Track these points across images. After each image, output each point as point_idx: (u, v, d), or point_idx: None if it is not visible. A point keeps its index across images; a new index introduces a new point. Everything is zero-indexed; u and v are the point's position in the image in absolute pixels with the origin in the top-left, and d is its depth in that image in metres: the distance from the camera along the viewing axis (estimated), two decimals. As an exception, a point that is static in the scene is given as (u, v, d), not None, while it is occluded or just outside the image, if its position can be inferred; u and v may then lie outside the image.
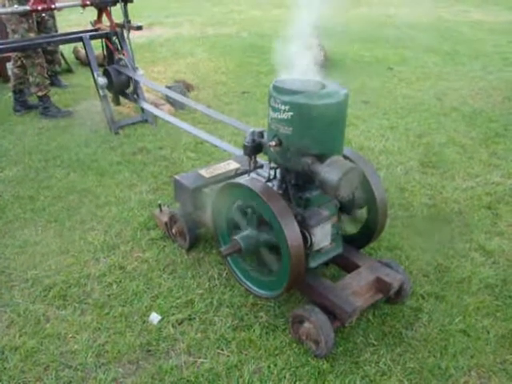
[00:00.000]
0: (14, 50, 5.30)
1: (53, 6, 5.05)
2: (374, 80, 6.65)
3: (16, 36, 5.33)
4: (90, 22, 5.62)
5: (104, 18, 5.44)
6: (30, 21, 5.38)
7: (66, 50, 7.61)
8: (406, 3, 13.55)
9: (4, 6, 5.26)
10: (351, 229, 2.86)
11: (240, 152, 3.48)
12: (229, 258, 2.73)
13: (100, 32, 5.40)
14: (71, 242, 3.38)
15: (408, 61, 7.75)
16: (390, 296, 2.62)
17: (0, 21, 5.75)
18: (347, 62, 7.68)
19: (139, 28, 5.29)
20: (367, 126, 5.14)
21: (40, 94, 5.57)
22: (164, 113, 4.73)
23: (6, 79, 6.61)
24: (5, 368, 2.44)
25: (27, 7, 4.95)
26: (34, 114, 5.73)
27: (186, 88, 6.03)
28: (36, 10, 5.01)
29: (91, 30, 5.50)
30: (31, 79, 5.54)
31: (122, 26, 5.27)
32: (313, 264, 2.56)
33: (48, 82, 5.66)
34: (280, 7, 13.35)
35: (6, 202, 3.90)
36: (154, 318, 2.70)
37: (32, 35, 5.43)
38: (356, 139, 4.79)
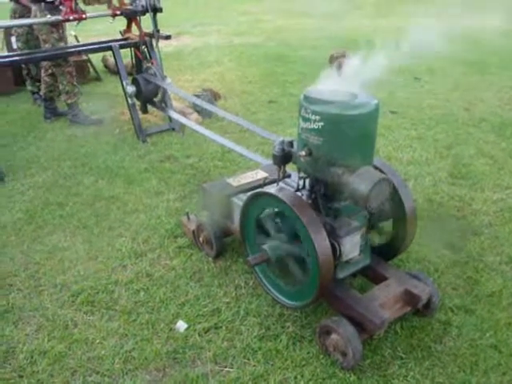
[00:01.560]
0: (45, 59, 5.40)
1: (84, 16, 5.13)
2: (401, 90, 6.61)
3: (47, 45, 5.44)
4: (120, 32, 5.70)
5: (133, 27, 5.52)
6: (61, 31, 5.49)
7: (95, 58, 7.72)
8: (431, 13, 13.45)
9: (36, 16, 5.37)
10: (379, 240, 2.84)
11: (267, 161, 3.49)
12: (256, 268, 2.73)
13: (129, 41, 5.47)
14: (99, 249, 3.41)
15: (435, 71, 7.68)
16: (418, 308, 2.58)
17: (32, 31, 5.86)
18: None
19: (168, 37, 5.35)
20: (395, 137, 5.11)
21: (69, 101, 5.66)
22: (191, 121, 4.77)
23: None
24: (34, 372, 2.47)
25: (59, 17, 5.05)
26: (64, 121, 5.82)
27: (213, 97, 6.06)
28: (68, 20, 5.10)
29: (121, 40, 5.57)
30: (61, 87, 5.64)
31: (150, 36, 5.33)
32: (341, 275, 2.55)
33: (77, 89, 5.75)
34: (307, 17, 13.41)
35: (36, 207, 3.96)
36: (181, 325, 2.70)
37: (62, 44, 5.54)
38: (384, 149, 4.76)
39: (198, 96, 5.50)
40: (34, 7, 5.43)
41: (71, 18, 5.07)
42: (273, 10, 14.99)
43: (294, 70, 7.74)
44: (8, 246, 3.49)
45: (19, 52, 5.88)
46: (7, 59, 5.18)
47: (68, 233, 3.61)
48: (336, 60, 7.34)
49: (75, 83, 5.70)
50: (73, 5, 5.03)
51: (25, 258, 3.35)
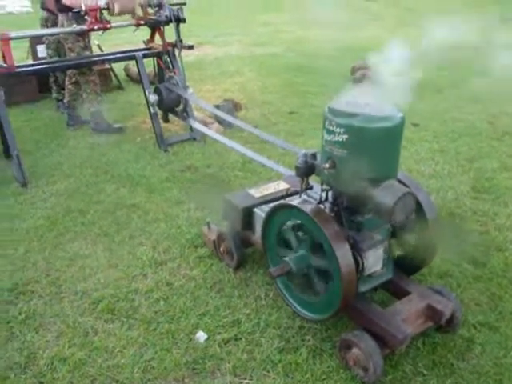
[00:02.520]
0: (69, 67, 5.48)
1: (108, 26, 5.20)
2: (423, 102, 6.56)
3: (72, 54, 5.52)
4: (143, 41, 5.76)
5: (156, 37, 5.57)
6: (86, 39, 5.57)
7: (117, 67, 7.79)
8: (455, 25, 13.39)
9: (63, 25, 5.46)
10: (402, 254, 2.81)
11: (288, 172, 3.48)
12: (277, 279, 2.72)
13: (152, 51, 5.53)
14: (120, 257, 3.43)
15: (457, 83, 7.62)
16: (440, 324, 2.55)
17: (58, 40, 5.96)
18: (395, 84, 7.60)
19: (191, 47, 5.39)
20: (417, 149, 5.07)
21: (92, 109, 5.73)
22: (212, 131, 4.79)
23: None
24: (54, 378, 2.49)
25: (84, 27, 5.12)
26: (86, 129, 5.88)
27: (235, 107, 6.08)
28: (92, 30, 5.17)
29: (144, 49, 5.63)
30: (84, 95, 5.70)
31: (173, 45, 5.38)
32: (363, 288, 2.53)
33: (100, 98, 5.81)
34: (328, 28, 13.40)
35: (58, 214, 4.00)
36: (201, 336, 2.70)
37: (87, 53, 5.61)
38: (406, 162, 4.72)
39: (218, 106, 5.52)
40: (60, 17, 5.52)
41: (96, 27, 5.13)
42: (293, 20, 15.02)
43: (315, 81, 7.73)
44: (30, 252, 3.53)
45: (44, 61, 5.96)
46: (33, 68, 5.26)
47: (89, 240, 3.64)
48: (358, 71, 7.32)
49: (98, 92, 5.77)
50: (98, 15, 5.09)
51: (46, 264, 3.38)
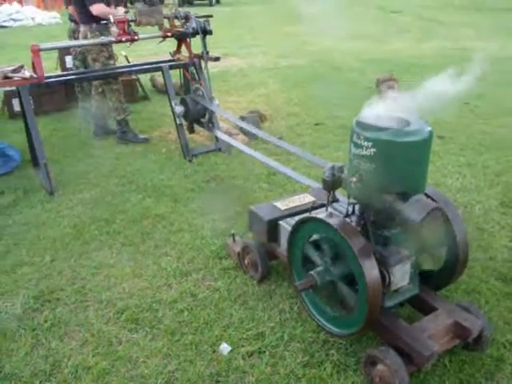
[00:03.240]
0: (97, 78, 5.56)
1: (136, 38, 5.26)
2: (449, 115, 6.50)
3: (97, 64, 5.60)
4: (170, 53, 5.81)
5: (183, 48, 5.62)
6: (110, 49, 5.66)
7: (143, 77, 7.88)
8: (485, 37, 13.29)
9: (86, 37, 5.55)
10: (429, 269, 2.77)
11: (314, 184, 3.47)
12: (302, 293, 2.70)
13: (179, 62, 5.57)
14: (144, 267, 3.44)
15: (484, 95, 7.53)
16: (468, 342, 2.50)
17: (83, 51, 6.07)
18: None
19: (217, 59, 5.42)
20: (443, 163, 5.01)
21: (118, 117, 5.79)
22: (238, 142, 4.80)
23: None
24: (78, 387, 2.50)
25: (112, 38, 5.19)
26: (112, 139, 5.96)
27: (260, 119, 6.09)
28: (120, 41, 5.23)
29: (170, 60, 5.68)
30: (110, 104, 5.78)
31: (199, 57, 5.41)
32: (389, 303, 2.49)
33: (125, 106, 5.87)
34: (352, 39, 13.40)
35: (84, 223, 4.03)
36: (224, 348, 2.69)
37: (112, 62, 5.69)
38: (432, 175, 4.67)
39: (244, 118, 5.54)
40: (83, 28, 5.62)
41: (124, 39, 5.20)
42: (318, 32, 15.05)
43: (340, 92, 7.71)
44: (56, 260, 3.57)
45: (73, 71, 6.06)
46: (61, 78, 5.35)
47: (114, 249, 3.67)
48: (383, 83, 7.29)
49: (123, 101, 5.83)
50: (126, 26, 5.16)
51: (72, 272, 3.41)
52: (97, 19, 5.49)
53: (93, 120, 6.11)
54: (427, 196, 2.46)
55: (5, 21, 21.21)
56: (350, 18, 18.89)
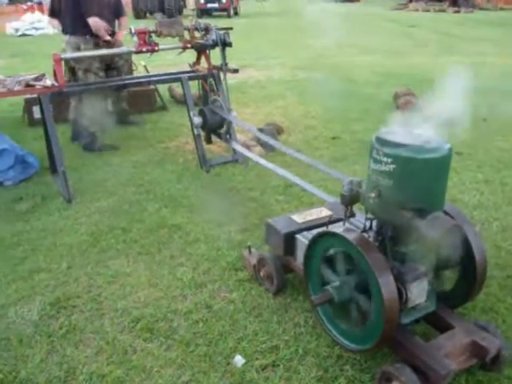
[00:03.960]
0: (118, 87, 5.67)
1: (156, 48, 5.32)
2: (467, 131, 6.45)
3: (89, 75, 5.84)
4: (189, 64, 5.86)
5: (202, 59, 5.67)
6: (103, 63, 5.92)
7: (161, 87, 7.94)
8: (505, 52, 13.25)
9: (79, 48, 5.80)
10: (446, 286, 2.75)
11: (330, 198, 3.47)
12: (318, 307, 2.70)
13: (198, 73, 5.61)
14: (160, 276, 3.46)
15: (502, 112, 7.48)
16: (485, 362, 2.47)
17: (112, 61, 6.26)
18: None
19: (236, 71, 5.45)
20: (460, 179, 4.99)
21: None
22: (253, 154, 4.81)
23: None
24: (92, 396, 2.51)
25: (133, 48, 5.25)
26: (130, 148, 6.01)
27: (277, 131, 6.11)
28: (141, 52, 5.29)
29: (189, 71, 5.73)
30: (109, 108, 6.13)
31: (219, 69, 5.45)
32: (405, 320, 2.48)
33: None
34: (370, 53, 13.43)
35: (101, 231, 4.06)
36: (238, 360, 2.68)
37: (114, 73, 6.02)
38: (449, 191, 4.60)
39: (261, 130, 5.56)
40: (73, 39, 5.82)
41: (144, 49, 5.26)
42: (336, 45, 15.10)
43: (357, 106, 7.72)
44: (73, 267, 3.60)
45: (93, 81, 6.13)
46: (83, 87, 5.41)
47: (131, 258, 3.69)
48: (400, 98, 7.29)
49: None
50: (146, 37, 5.22)
51: (88, 280, 3.44)
52: (90, 30, 5.70)
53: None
54: (445, 213, 2.45)
55: (27, 29, 21.67)
56: (367, 32, 18.96)
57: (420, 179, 2.27)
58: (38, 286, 3.38)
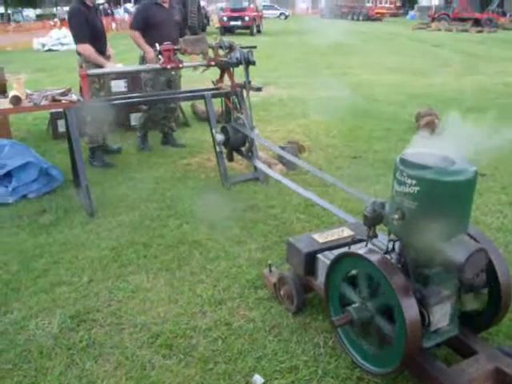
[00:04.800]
0: (142, 103, 5.80)
1: (180, 65, 5.38)
2: (491, 152, 6.39)
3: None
4: (212, 82, 5.91)
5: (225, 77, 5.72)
6: (102, 81, 5.92)
7: (184, 104, 8.01)
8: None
9: (81, 66, 5.78)
10: (470, 311, 2.71)
11: (351, 219, 3.46)
12: (338, 328, 2.68)
13: (221, 91, 5.66)
14: (180, 293, 3.46)
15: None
16: (509, 389, 2.44)
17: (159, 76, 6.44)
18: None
19: (259, 89, 5.48)
20: (484, 201, 4.93)
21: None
22: (274, 173, 4.82)
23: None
24: (110, 411, 2.51)
25: (157, 65, 5.32)
26: (153, 163, 6.06)
27: (298, 149, 6.12)
28: (165, 68, 5.36)
29: (213, 89, 5.78)
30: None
31: (242, 86, 5.49)
32: (427, 344, 2.45)
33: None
34: (393, 72, 13.42)
35: (122, 246, 4.09)
36: (257, 379, 2.66)
37: (102, 94, 5.96)
38: (472, 213, 4.58)
39: (283, 148, 5.58)
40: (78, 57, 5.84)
41: (169, 66, 5.32)
42: (358, 64, 15.14)
43: (379, 126, 7.70)
44: (94, 281, 3.62)
45: (118, 96, 6.23)
46: (108, 103, 5.49)
47: (151, 274, 3.70)
48: (423, 118, 7.25)
49: None
50: (171, 55, 5.29)
51: (108, 294, 3.46)
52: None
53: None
54: (469, 236, 2.43)
55: (54, 45, 22.13)
56: (390, 51, 18.97)
57: (445, 202, 2.25)
58: (58, 299, 3.40)
